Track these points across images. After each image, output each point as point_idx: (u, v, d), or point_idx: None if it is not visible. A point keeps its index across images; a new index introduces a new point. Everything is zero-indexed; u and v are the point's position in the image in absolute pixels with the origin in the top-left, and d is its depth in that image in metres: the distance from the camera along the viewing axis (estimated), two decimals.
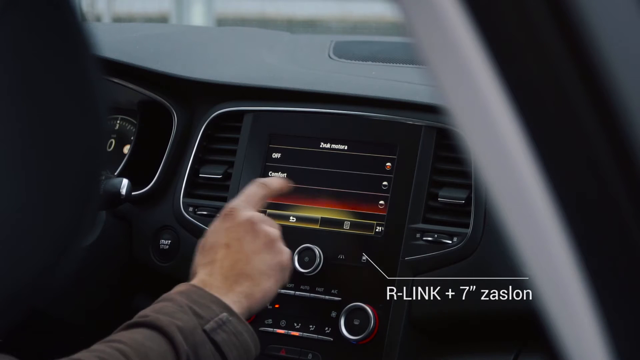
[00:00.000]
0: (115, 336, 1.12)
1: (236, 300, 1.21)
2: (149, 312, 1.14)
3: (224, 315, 1.16)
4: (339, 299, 1.46)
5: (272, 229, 1.29)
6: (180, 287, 1.20)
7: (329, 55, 1.76)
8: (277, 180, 1.39)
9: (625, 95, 0.57)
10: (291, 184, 1.41)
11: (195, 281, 1.23)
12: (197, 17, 6.32)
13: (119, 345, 1.09)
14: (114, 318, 1.67)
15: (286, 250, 1.29)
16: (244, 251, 1.26)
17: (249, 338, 1.17)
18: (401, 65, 1.69)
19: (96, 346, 1.10)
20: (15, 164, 0.58)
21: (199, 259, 1.28)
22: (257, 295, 1.23)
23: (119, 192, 1.52)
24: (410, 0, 0.58)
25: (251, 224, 1.28)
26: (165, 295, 1.19)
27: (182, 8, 6.34)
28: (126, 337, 1.10)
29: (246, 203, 1.32)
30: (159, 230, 1.62)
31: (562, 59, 0.57)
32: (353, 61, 1.73)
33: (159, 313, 1.13)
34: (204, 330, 1.13)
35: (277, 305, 1.44)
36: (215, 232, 1.29)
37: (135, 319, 1.14)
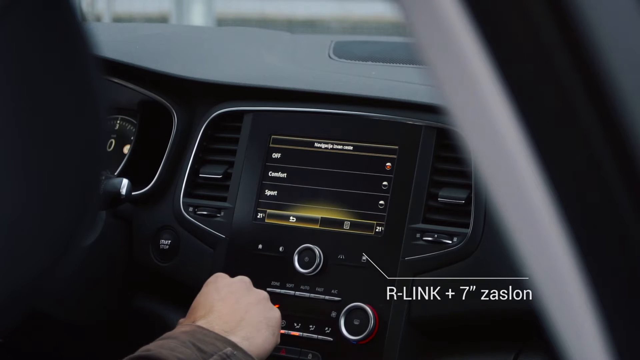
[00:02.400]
0: None
1: (239, 342, 1.22)
2: (151, 347, 1.16)
3: (228, 349, 1.17)
4: (339, 299, 1.46)
5: (261, 290, 1.35)
6: (184, 327, 1.22)
7: (329, 55, 1.76)
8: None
9: (625, 95, 0.57)
10: None
11: (198, 323, 1.25)
12: (197, 17, 6.32)
13: None
14: (114, 318, 1.67)
15: (277, 310, 1.34)
16: (240, 302, 1.30)
17: None
18: (401, 65, 1.69)
19: None
20: (15, 164, 0.58)
21: (193, 316, 1.29)
22: (258, 341, 1.26)
23: (119, 192, 1.52)
24: (410, 0, 0.58)
25: (242, 283, 1.34)
26: (168, 334, 1.20)
27: (182, 8, 6.34)
28: None
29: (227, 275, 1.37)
30: (159, 230, 1.62)
31: (562, 58, 0.57)
32: (353, 61, 1.73)
33: (161, 348, 1.15)
34: None
35: (277, 305, 1.44)
36: (205, 294, 1.33)
37: (138, 352, 1.15)
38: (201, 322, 1.25)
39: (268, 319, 1.30)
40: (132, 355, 1.14)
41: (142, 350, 1.15)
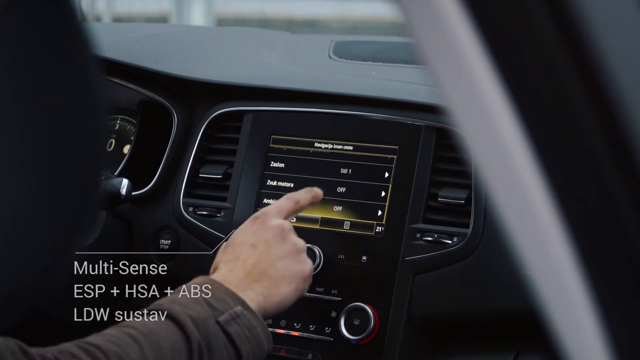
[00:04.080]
0: (128, 322, 1.14)
1: (253, 298, 1.23)
2: (163, 302, 1.17)
3: (238, 308, 1.18)
4: (339, 299, 1.46)
5: (300, 239, 1.33)
6: (198, 280, 1.23)
7: (329, 55, 1.76)
8: (307, 195, 1.40)
9: (625, 95, 0.57)
10: (320, 195, 1.41)
11: (214, 275, 1.25)
12: (197, 17, 6.32)
13: (130, 331, 1.10)
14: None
15: (310, 263, 1.33)
16: (269, 253, 1.29)
17: (262, 333, 1.19)
18: (401, 65, 1.69)
19: (108, 330, 1.12)
20: (16, 164, 0.58)
21: (222, 255, 1.30)
22: (274, 298, 1.26)
23: (119, 192, 1.52)
24: (410, 0, 0.58)
25: (281, 230, 1.31)
26: (182, 286, 1.20)
27: (182, 8, 6.34)
28: (139, 323, 1.12)
29: (277, 212, 1.35)
30: (159, 230, 1.62)
31: (562, 58, 0.57)
32: (353, 61, 1.73)
33: (173, 303, 1.16)
34: (217, 322, 1.15)
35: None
36: (243, 232, 1.32)
37: (151, 306, 1.16)
38: (222, 269, 1.25)
39: (293, 273, 1.29)
40: (145, 309, 1.15)
41: (154, 305, 1.16)
